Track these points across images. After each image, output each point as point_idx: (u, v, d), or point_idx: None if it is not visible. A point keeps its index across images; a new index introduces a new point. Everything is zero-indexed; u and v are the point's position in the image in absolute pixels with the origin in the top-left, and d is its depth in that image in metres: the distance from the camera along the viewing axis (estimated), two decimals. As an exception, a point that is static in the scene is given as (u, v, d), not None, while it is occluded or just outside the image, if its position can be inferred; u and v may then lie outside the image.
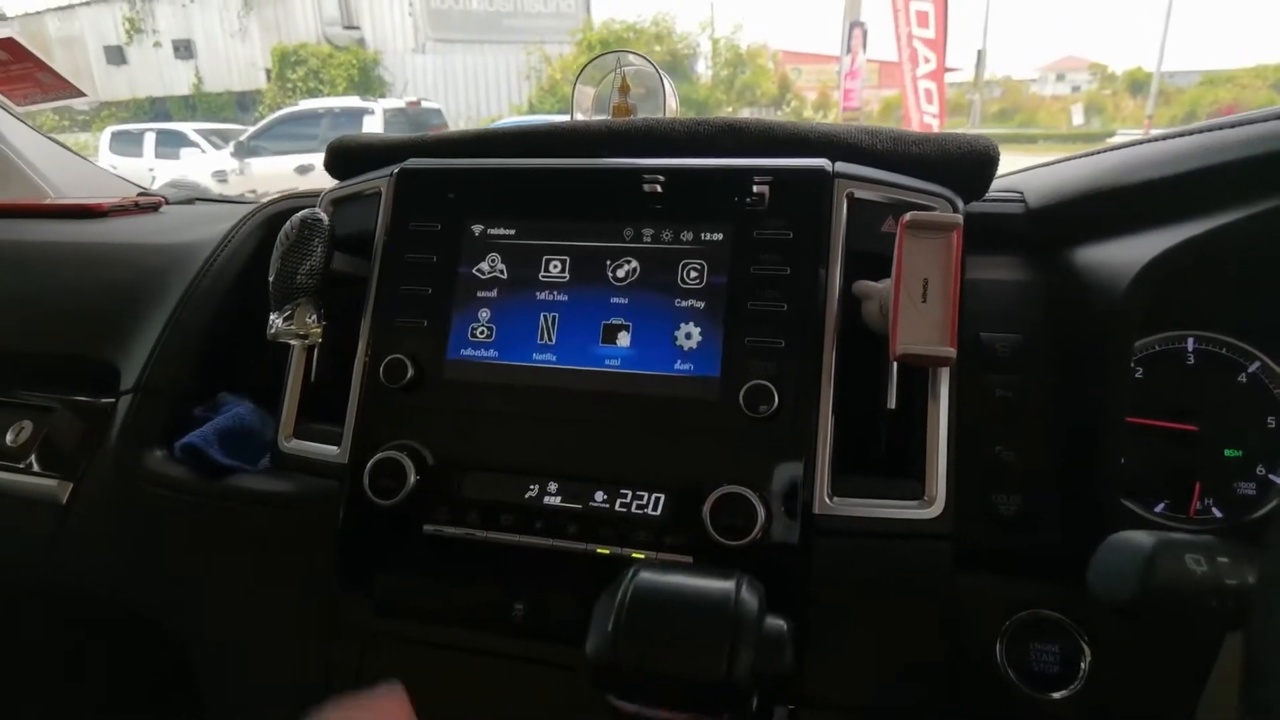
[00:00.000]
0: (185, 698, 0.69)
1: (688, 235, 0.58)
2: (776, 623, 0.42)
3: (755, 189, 0.57)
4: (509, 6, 17.22)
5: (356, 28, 16.91)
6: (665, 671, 0.39)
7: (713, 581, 0.42)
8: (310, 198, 0.75)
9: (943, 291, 0.49)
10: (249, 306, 0.72)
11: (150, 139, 9.51)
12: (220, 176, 8.04)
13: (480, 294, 0.61)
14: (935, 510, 0.53)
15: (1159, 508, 0.57)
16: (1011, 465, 0.56)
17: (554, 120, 0.74)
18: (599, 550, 0.55)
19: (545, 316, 0.59)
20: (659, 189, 0.59)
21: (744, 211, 0.57)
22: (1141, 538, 0.36)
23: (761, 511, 0.51)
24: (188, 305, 0.74)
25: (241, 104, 16.91)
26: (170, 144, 9.37)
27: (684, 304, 0.57)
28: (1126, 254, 0.54)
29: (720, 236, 0.58)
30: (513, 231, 0.62)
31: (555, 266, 0.60)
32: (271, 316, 0.63)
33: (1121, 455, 0.52)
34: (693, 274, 0.58)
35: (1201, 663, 0.44)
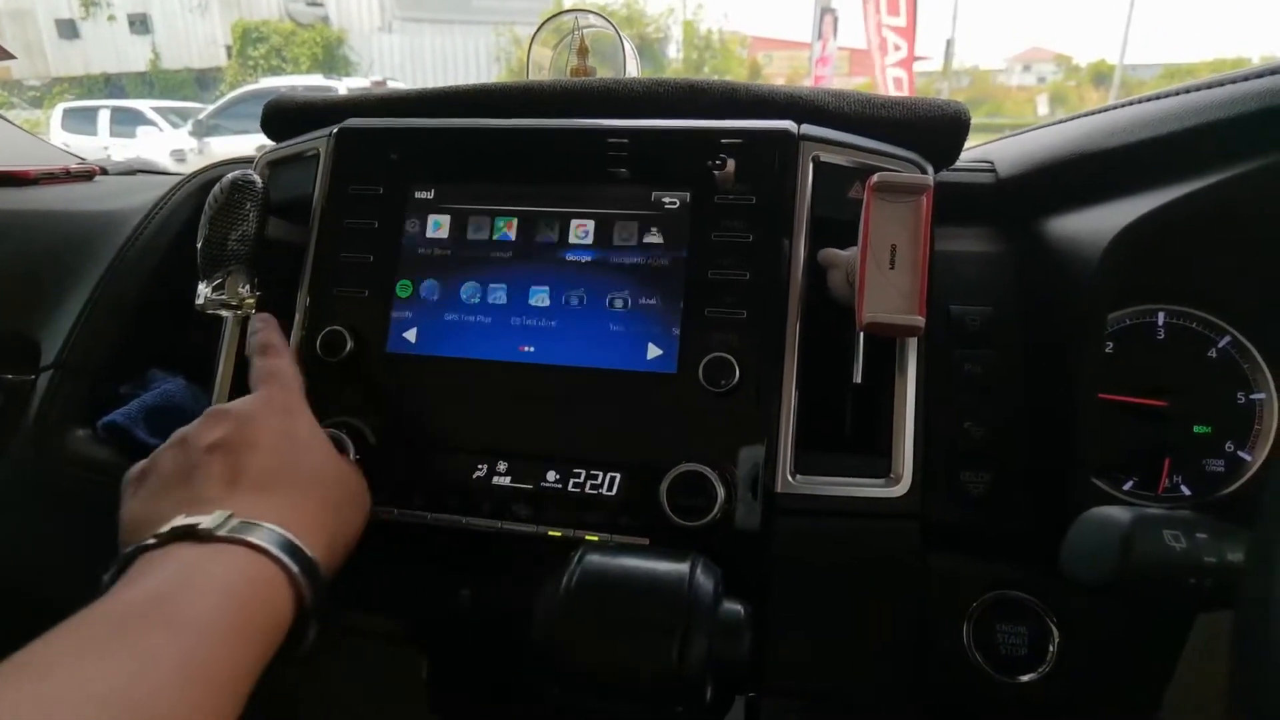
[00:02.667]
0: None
1: (646, 200, 0.55)
2: (733, 607, 0.39)
3: (719, 152, 0.54)
4: (478, -14, 16.94)
5: (321, 5, 16.50)
6: (612, 660, 0.37)
7: (666, 563, 0.40)
8: (247, 163, 0.71)
9: (911, 258, 0.46)
10: (182, 277, 0.67)
11: (105, 116, 9.19)
12: (179, 156, 7.80)
13: (425, 262, 0.57)
14: (902, 488, 0.51)
15: (1128, 485, 0.56)
16: (980, 442, 0.54)
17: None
18: (551, 532, 0.52)
19: (493, 286, 0.56)
20: (621, 152, 0.56)
21: (705, 176, 0.54)
22: (1117, 514, 0.34)
23: (721, 490, 0.48)
24: (115, 276, 0.69)
25: (201, 82, 16.42)
26: (126, 122, 9.07)
27: (640, 272, 0.54)
28: (1098, 223, 0.52)
29: (680, 202, 0.55)
30: (460, 196, 0.58)
31: (505, 232, 0.57)
32: (200, 286, 0.59)
33: (1093, 433, 0.50)
34: (650, 240, 0.54)
35: (1172, 643, 0.43)
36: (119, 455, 0.62)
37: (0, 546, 0.65)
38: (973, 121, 0.60)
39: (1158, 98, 0.54)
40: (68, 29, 16.88)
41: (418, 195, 0.58)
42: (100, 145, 8.34)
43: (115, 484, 0.61)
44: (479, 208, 0.57)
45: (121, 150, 7.93)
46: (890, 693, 0.50)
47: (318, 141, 0.62)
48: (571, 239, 0.56)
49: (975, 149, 0.70)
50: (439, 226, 0.58)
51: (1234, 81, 0.48)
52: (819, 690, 0.50)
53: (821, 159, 0.54)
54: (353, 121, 0.62)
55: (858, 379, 0.52)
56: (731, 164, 0.53)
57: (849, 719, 0.52)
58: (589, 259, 0.55)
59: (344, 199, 0.60)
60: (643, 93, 0.61)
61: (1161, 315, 0.56)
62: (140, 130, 8.85)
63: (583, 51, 0.72)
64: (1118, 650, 0.48)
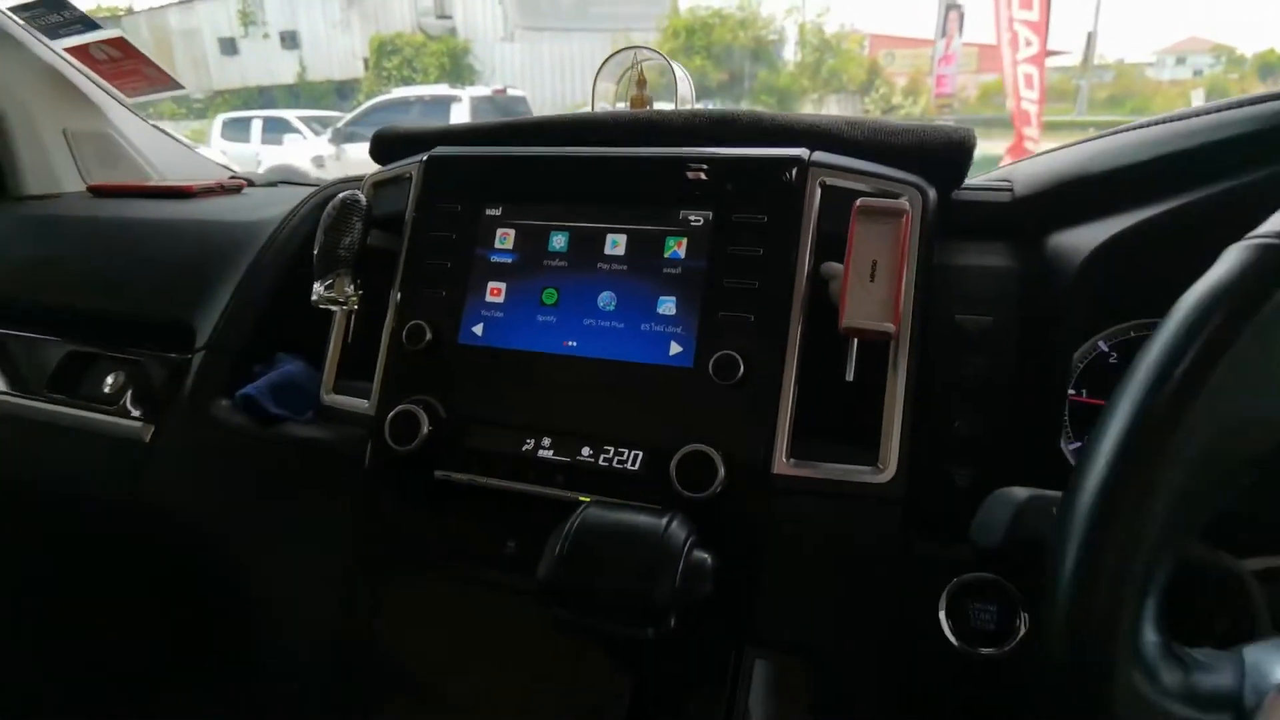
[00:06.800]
0: (233, 613, 0.80)
1: (675, 217, 0.64)
2: (701, 555, 0.47)
3: (737, 175, 0.62)
4: (597, -6, 17.39)
5: (449, 17, 17.38)
6: (597, 589, 0.46)
7: (647, 517, 0.48)
8: (357, 182, 0.84)
9: (889, 272, 0.53)
10: (303, 278, 0.81)
11: (257, 125, 10.06)
12: (318, 162, 8.48)
13: (492, 268, 0.68)
14: (887, 476, 0.57)
15: None
16: (969, 439, 0.59)
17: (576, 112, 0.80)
18: (581, 498, 0.61)
19: (546, 289, 0.66)
20: (655, 176, 0.65)
21: (726, 197, 0.62)
22: (1017, 493, 0.40)
23: (722, 469, 0.56)
24: (253, 276, 0.84)
25: (340, 92, 17.67)
26: (275, 130, 9.89)
27: (668, 280, 0.63)
28: (1087, 238, 0.57)
29: (704, 220, 0.63)
30: (522, 213, 0.68)
31: (557, 244, 0.67)
32: (315, 285, 0.72)
33: (1065, 432, 0.55)
34: (677, 253, 0.63)
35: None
36: (251, 421, 0.76)
37: (163, 487, 0.81)
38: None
39: (1151, 124, 0.58)
40: (229, 46, 18.59)
41: (488, 212, 0.69)
42: (253, 152, 9.13)
43: (247, 443, 0.76)
44: (537, 223, 0.68)
45: (270, 156, 8.70)
46: (864, 652, 0.56)
47: (411, 166, 0.74)
48: (612, 250, 0.65)
49: (1001, 169, 0.75)
50: (504, 239, 0.68)
51: (1209, 113, 0.52)
52: (801, 645, 0.58)
53: (827, 183, 0.61)
54: (439, 150, 0.74)
55: (850, 377, 0.59)
56: (745, 185, 0.61)
57: (828, 684, 0.59)
58: (626, 268, 0.64)
59: (430, 214, 0.71)
60: (682, 124, 0.70)
61: None
62: (287, 138, 9.64)
63: (641, 83, 0.82)
64: None
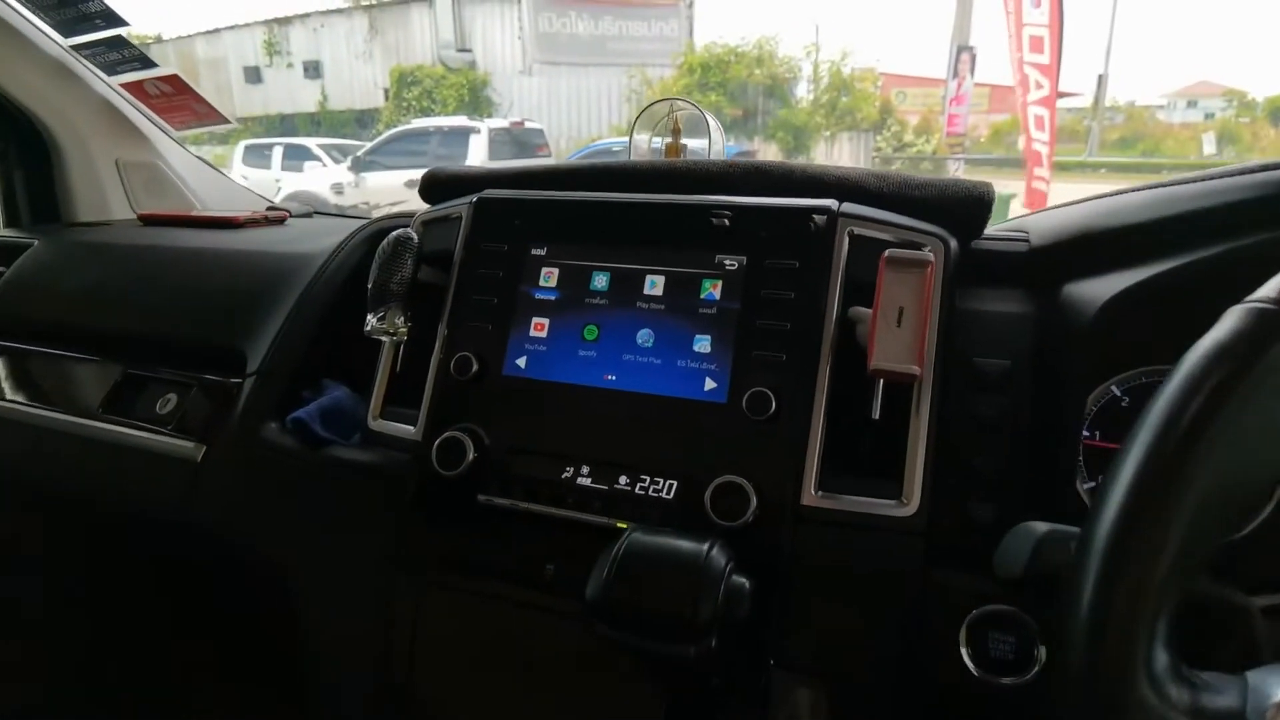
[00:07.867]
0: (281, 631, 0.83)
1: (711, 261, 0.68)
2: (740, 580, 0.50)
3: (770, 223, 0.66)
4: (614, 30, 17.68)
5: (469, 50, 17.73)
6: (644, 609, 0.49)
7: (688, 543, 0.52)
8: (406, 218, 0.89)
9: (915, 319, 0.57)
10: (351, 309, 0.86)
11: (278, 152, 10.30)
12: (337, 189, 8.65)
13: (536, 305, 0.72)
14: (911, 510, 0.60)
15: None
16: (988, 476, 0.63)
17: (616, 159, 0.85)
18: (618, 524, 0.65)
19: (587, 326, 0.70)
20: (693, 222, 0.69)
21: (760, 243, 0.67)
22: (1038, 527, 0.43)
23: (754, 500, 0.60)
24: (302, 306, 0.89)
25: (361, 121, 17.98)
26: (295, 157, 10.11)
27: (703, 319, 0.67)
28: (1101, 289, 0.60)
29: (738, 264, 0.67)
30: (566, 253, 0.73)
31: (599, 283, 0.71)
32: (368, 316, 0.76)
33: (1080, 472, 0.58)
34: (712, 294, 0.67)
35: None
36: (299, 443, 0.80)
37: (213, 506, 0.85)
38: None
39: (1161, 186, 0.62)
40: (253, 75, 19.01)
41: (533, 252, 0.74)
42: (273, 178, 9.31)
43: (296, 465, 0.80)
44: (580, 263, 0.72)
45: (290, 182, 8.88)
46: (885, 678, 0.59)
47: (460, 207, 0.79)
48: (651, 290, 0.69)
49: (1016, 219, 0.79)
50: (549, 277, 0.73)
51: (1211, 179, 0.56)
52: (826, 669, 0.60)
53: (855, 232, 0.65)
54: (489, 192, 0.78)
55: (875, 415, 0.62)
56: (780, 233, 0.65)
57: (850, 708, 0.61)
58: (664, 307, 0.68)
59: (477, 253, 0.76)
60: (717, 173, 0.75)
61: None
62: (306, 165, 9.85)
63: (676, 132, 0.86)
64: None
